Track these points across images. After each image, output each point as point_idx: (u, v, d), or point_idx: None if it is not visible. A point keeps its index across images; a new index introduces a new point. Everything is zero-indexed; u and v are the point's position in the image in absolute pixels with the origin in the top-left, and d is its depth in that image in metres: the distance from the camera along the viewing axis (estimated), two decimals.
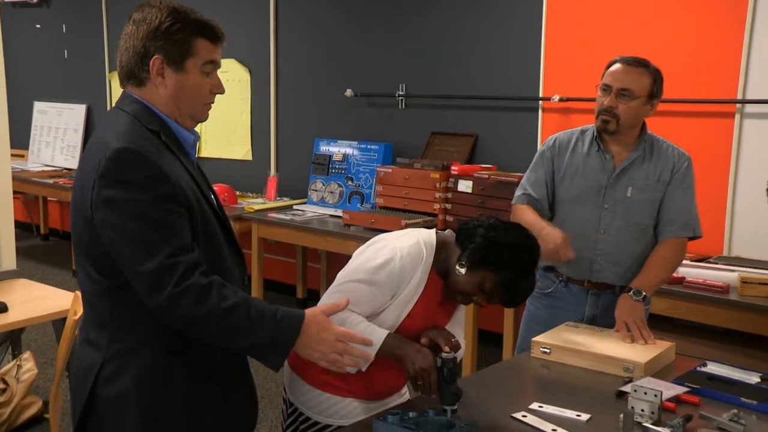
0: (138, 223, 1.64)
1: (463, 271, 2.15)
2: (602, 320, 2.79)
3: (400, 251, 2.16)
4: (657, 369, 2.41)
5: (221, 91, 1.85)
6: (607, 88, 2.73)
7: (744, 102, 3.91)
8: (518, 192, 2.94)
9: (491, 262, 2.13)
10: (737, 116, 3.94)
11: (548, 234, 2.64)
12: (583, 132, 2.88)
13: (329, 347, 1.75)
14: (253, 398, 2.00)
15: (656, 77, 2.75)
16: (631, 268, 2.80)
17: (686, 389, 2.25)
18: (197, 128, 1.91)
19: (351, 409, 2.23)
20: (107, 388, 1.74)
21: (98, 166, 1.66)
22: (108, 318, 1.72)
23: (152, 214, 1.65)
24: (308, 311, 1.78)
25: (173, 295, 1.62)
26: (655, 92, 2.75)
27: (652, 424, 2.02)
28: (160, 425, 1.75)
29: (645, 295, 2.69)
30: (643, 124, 2.82)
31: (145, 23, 1.74)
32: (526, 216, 2.81)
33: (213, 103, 1.86)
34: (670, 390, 2.22)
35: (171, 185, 1.68)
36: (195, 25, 1.77)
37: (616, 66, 2.75)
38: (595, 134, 2.82)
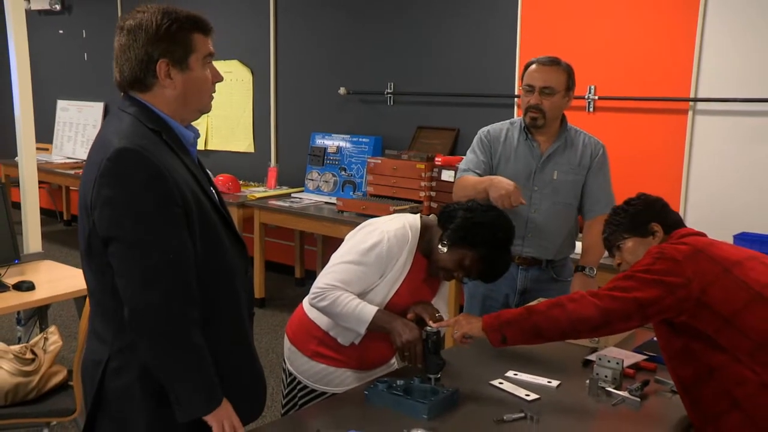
0: (135, 223, 1.52)
1: (444, 249, 2.13)
2: (532, 293, 2.80)
3: (387, 234, 2.14)
4: (619, 340, 2.41)
5: (221, 78, 1.72)
6: (530, 88, 2.74)
7: (696, 100, 3.90)
8: (459, 173, 2.87)
9: (470, 241, 2.11)
10: (690, 113, 3.93)
11: (500, 181, 2.58)
12: (512, 124, 2.88)
13: None
14: (260, 384, 1.84)
15: (569, 72, 2.77)
16: (557, 243, 2.82)
17: (645, 357, 2.26)
18: (201, 125, 1.79)
19: (344, 378, 2.22)
20: (114, 380, 1.64)
21: (100, 165, 1.54)
22: (112, 313, 1.60)
23: (149, 214, 1.53)
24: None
25: (168, 296, 1.53)
26: (570, 85, 2.77)
27: (614, 388, 2.02)
28: (167, 413, 1.60)
29: (596, 272, 2.74)
30: (563, 117, 2.83)
31: (141, 30, 1.60)
32: (470, 179, 2.73)
33: (215, 92, 1.73)
34: (631, 358, 2.22)
35: (169, 185, 1.55)
36: (189, 22, 1.63)
37: (535, 67, 2.76)
38: (523, 125, 2.82)
